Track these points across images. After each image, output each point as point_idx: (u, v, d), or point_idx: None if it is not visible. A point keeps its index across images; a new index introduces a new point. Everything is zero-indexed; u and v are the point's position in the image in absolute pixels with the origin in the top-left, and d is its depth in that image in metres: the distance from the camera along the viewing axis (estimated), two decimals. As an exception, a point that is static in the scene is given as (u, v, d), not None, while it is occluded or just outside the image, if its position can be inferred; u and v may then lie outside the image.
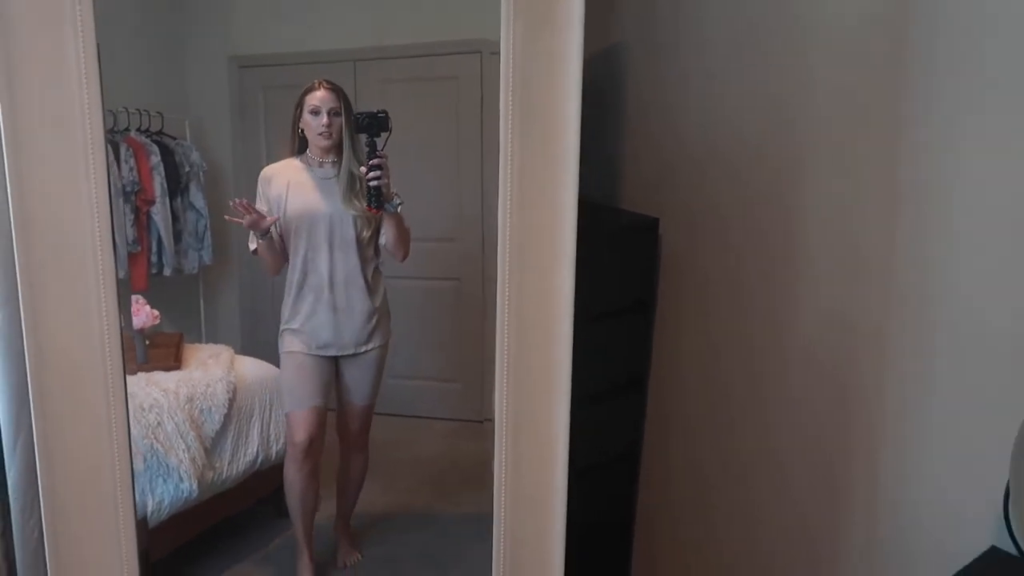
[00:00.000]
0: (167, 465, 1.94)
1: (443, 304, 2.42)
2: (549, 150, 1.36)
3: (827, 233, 1.55)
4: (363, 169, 1.86)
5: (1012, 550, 1.15)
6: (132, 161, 2.08)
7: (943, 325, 1.30)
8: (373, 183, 1.85)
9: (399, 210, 1.92)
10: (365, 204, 1.90)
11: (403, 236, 1.97)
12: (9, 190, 1.34)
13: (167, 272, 2.18)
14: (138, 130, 2.11)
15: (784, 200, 1.66)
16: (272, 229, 1.94)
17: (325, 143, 1.95)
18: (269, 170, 1.99)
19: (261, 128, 2.30)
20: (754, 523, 1.82)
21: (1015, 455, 1.08)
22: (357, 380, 2.09)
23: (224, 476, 2.08)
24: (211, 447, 2.04)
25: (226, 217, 1.91)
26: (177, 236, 2.20)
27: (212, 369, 2.12)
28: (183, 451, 1.96)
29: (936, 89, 1.29)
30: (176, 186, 2.18)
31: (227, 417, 2.08)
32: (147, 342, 2.08)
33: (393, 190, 1.89)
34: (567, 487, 1.47)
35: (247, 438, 2.13)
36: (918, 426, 1.37)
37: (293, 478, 2.05)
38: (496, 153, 1.38)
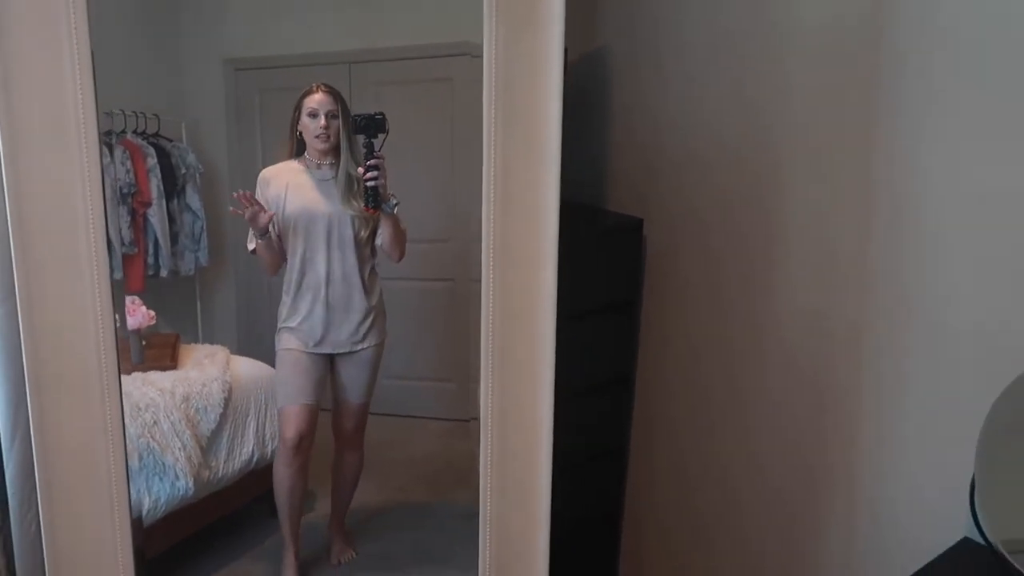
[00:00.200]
0: (163, 463, 1.95)
1: (437, 305, 2.43)
2: (532, 150, 1.38)
3: (804, 237, 1.57)
4: (361, 170, 1.89)
5: (982, 540, 1.18)
6: (128, 163, 2.09)
7: (916, 326, 1.33)
8: (371, 183, 1.87)
9: (395, 211, 1.95)
10: (363, 204, 1.92)
11: (399, 237, 1.99)
12: (6, 191, 1.35)
13: (164, 273, 2.19)
14: (134, 132, 2.12)
15: (763, 204, 1.68)
16: (270, 229, 1.96)
17: (323, 145, 1.97)
18: (268, 172, 2.01)
19: (257, 130, 2.31)
20: (738, 521, 1.84)
21: (979, 451, 1.11)
22: (352, 378, 2.11)
23: (220, 475, 2.09)
24: (207, 446, 2.06)
25: (230, 208, 1.93)
26: (174, 238, 2.21)
27: (208, 369, 2.13)
28: (179, 450, 1.97)
29: (908, 94, 1.31)
30: (172, 188, 2.18)
31: (223, 416, 2.09)
32: (143, 342, 2.09)
33: (389, 191, 1.92)
34: (552, 482, 1.48)
35: (243, 437, 2.15)
36: (894, 425, 1.39)
37: (282, 474, 2.07)
38: (490, 155, 1.39)
